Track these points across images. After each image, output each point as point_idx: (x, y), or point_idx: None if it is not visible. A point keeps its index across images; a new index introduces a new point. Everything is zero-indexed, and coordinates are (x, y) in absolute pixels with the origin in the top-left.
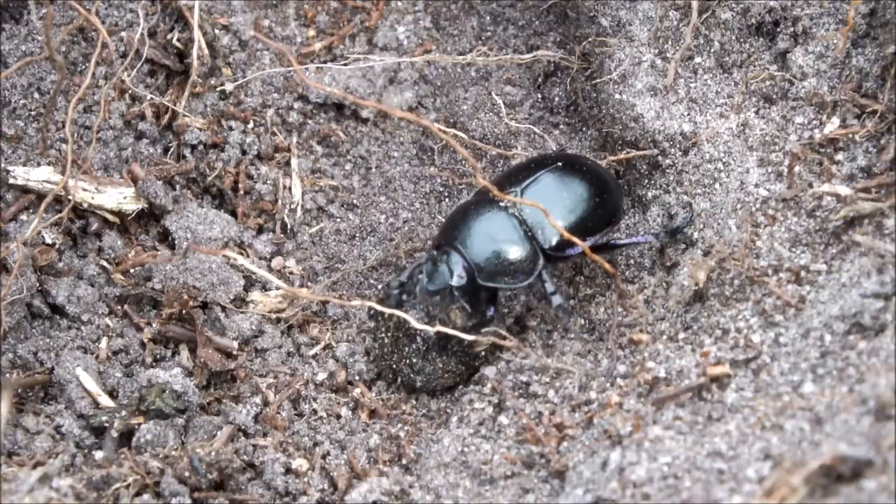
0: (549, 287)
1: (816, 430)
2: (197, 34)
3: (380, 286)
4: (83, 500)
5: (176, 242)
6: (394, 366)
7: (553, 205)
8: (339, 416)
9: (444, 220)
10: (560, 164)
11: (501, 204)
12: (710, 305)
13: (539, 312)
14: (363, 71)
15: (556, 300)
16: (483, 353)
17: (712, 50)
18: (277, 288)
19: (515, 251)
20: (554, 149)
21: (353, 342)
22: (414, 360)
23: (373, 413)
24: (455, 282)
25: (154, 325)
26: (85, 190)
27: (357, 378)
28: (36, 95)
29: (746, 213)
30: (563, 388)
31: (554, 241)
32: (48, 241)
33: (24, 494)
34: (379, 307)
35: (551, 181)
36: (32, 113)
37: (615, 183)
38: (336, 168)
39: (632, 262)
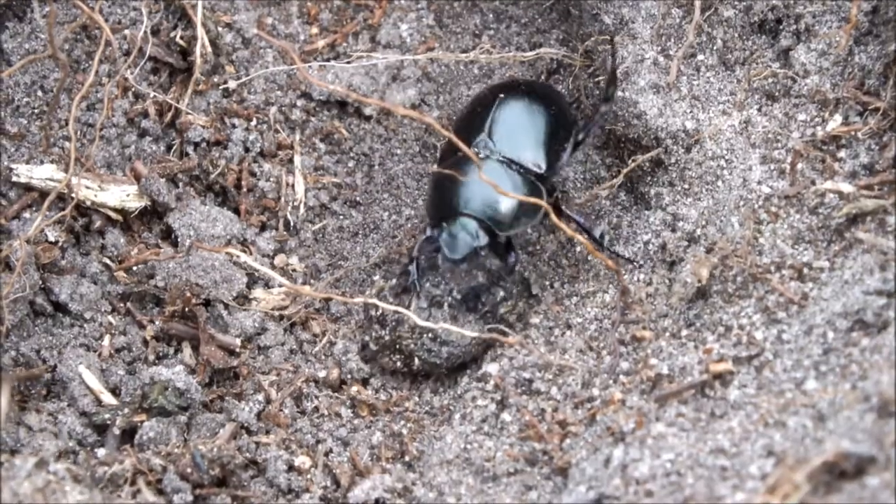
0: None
1: (819, 427)
2: (200, 32)
3: (395, 275)
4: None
5: (179, 240)
6: (412, 345)
7: (524, 130)
8: (340, 414)
9: (426, 196)
10: (504, 96)
11: (480, 155)
12: (712, 302)
13: (542, 309)
14: (366, 68)
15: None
16: (508, 315)
17: (715, 47)
18: (280, 285)
19: (516, 188)
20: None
21: (350, 339)
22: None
23: (375, 410)
24: (480, 243)
25: (157, 322)
26: (88, 188)
27: (349, 377)
28: (39, 93)
29: (749, 210)
30: (566, 384)
31: (544, 164)
32: (51, 238)
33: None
34: (382, 304)
35: (510, 111)
36: (36, 111)
37: (559, 91)
38: (339, 165)
39: (634, 259)
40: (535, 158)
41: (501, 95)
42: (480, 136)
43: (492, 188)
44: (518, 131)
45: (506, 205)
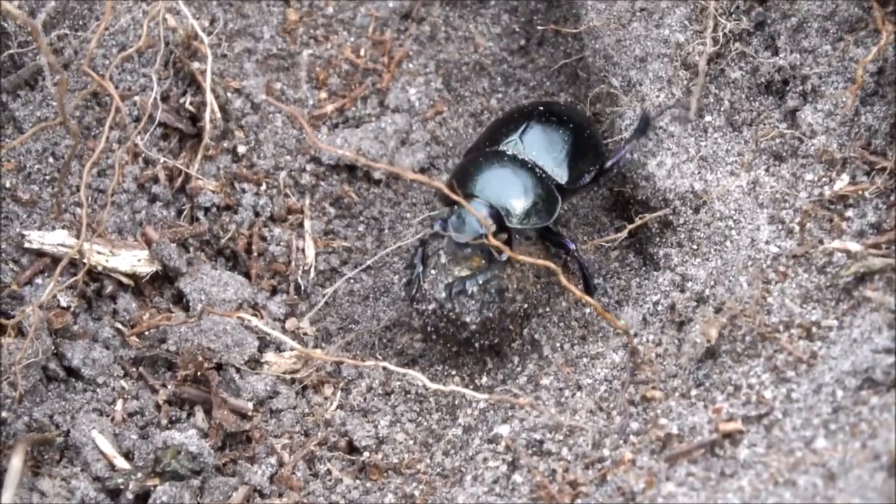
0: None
1: (829, 486)
2: (209, 97)
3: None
4: None
5: (190, 304)
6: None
7: (554, 145)
8: (354, 476)
9: (447, 178)
10: (543, 109)
11: (508, 152)
12: (721, 362)
13: (552, 370)
14: (375, 132)
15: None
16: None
17: (722, 109)
18: (292, 349)
19: (538, 190)
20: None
21: (355, 410)
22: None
23: (386, 472)
24: (485, 230)
25: (169, 386)
26: (99, 253)
27: (361, 440)
28: (51, 160)
29: (757, 269)
30: (577, 445)
31: (566, 177)
32: (63, 304)
33: None
34: (392, 367)
35: (546, 122)
36: (47, 177)
37: (592, 119)
38: (349, 229)
39: (643, 318)
40: (558, 168)
41: (541, 108)
42: (513, 136)
43: (511, 179)
44: (549, 141)
45: (520, 197)
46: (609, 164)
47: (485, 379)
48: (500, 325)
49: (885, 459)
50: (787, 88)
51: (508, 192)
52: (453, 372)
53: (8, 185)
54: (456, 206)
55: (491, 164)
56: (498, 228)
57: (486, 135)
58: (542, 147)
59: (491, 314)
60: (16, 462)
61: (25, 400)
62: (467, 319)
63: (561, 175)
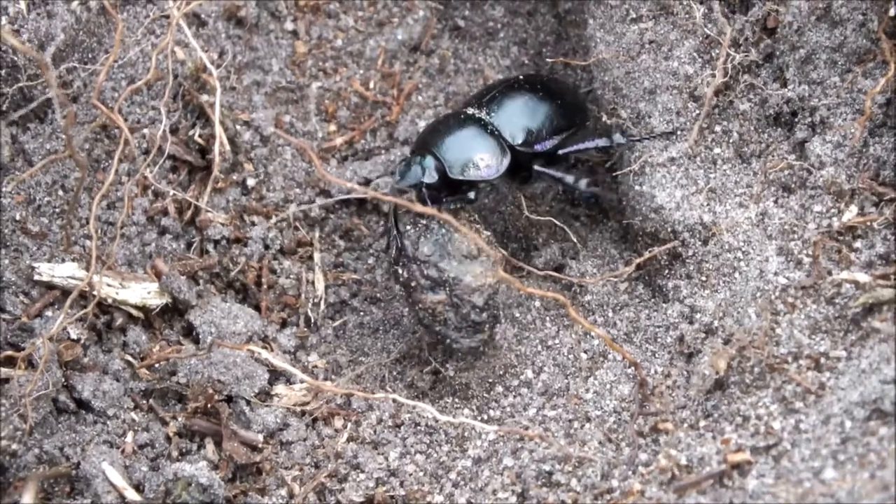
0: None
1: None
2: (218, 130)
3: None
4: None
5: (200, 337)
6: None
7: (514, 109)
8: None
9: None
10: (522, 78)
11: (468, 112)
12: (730, 393)
13: (561, 402)
14: (384, 165)
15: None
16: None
17: (731, 140)
18: (302, 381)
19: (482, 144)
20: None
21: (366, 442)
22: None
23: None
24: (426, 178)
25: (179, 419)
26: (109, 285)
27: (372, 472)
28: (60, 193)
29: (766, 301)
30: (586, 476)
31: (520, 139)
32: (73, 336)
33: None
34: (402, 400)
35: (516, 92)
36: (57, 210)
37: (575, 89)
38: (359, 262)
39: (648, 351)
40: (512, 129)
41: (519, 78)
42: (480, 101)
43: (459, 135)
44: (510, 105)
45: (463, 150)
46: (569, 149)
47: (494, 411)
48: (426, 283)
49: (894, 490)
50: (796, 120)
51: (453, 146)
52: (463, 404)
53: (18, 217)
54: (409, 157)
55: (447, 123)
56: (442, 181)
57: (463, 103)
58: (501, 110)
59: (423, 258)
60: (27, 501)
61: (36, 432)
62: (408, 245)
63: (514, 136)
